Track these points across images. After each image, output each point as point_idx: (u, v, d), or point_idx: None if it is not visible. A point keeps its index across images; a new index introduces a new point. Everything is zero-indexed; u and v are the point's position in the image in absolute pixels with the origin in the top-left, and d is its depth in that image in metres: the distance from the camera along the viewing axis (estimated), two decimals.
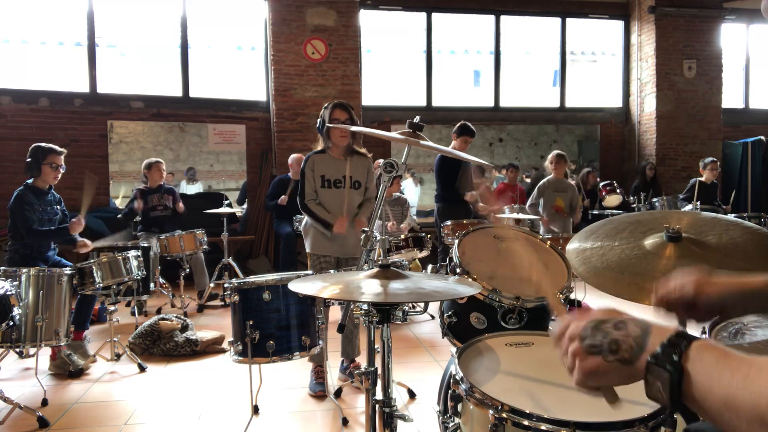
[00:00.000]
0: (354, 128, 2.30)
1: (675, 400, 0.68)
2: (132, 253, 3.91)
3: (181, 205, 5.89)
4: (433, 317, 5.14)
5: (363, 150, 3.48)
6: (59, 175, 4.00)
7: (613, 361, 0.74)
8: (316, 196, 3.39)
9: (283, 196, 6.26)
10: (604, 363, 0.75)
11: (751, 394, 0.61)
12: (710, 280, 1.07)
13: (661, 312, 1.11)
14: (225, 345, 4.24)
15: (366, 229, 1.76)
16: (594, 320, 0.79)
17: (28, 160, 3.91)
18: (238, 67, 9.28)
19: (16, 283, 3.13)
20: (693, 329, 1.65)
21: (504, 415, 1.24)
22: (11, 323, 2.80)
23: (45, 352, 3.85)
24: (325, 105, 3.38)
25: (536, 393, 1.35)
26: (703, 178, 7.06)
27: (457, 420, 1.45)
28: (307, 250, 3.48)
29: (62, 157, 3.99)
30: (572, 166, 8.46)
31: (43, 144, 3.98)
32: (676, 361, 0.68)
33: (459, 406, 1.44)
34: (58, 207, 4.09)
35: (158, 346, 4.14)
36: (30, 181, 3.94)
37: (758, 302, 1.07)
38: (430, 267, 5.65)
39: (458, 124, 5.67)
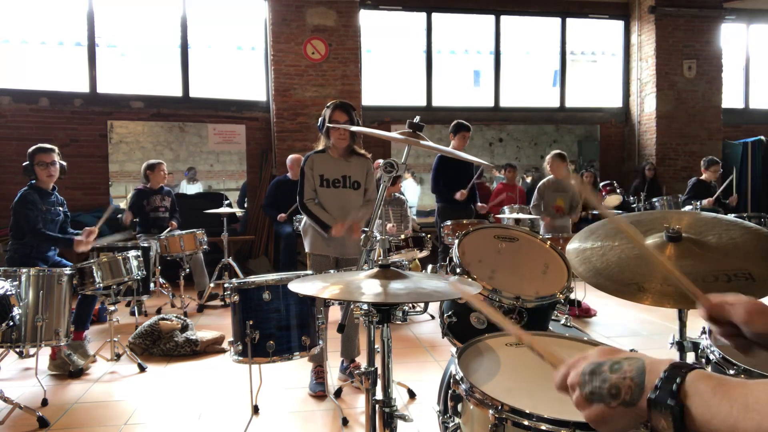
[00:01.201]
0: (354, 128, 2.30)
1: None
2: (132, 253, 3.91)
3: (174, 223, 5.84)
4: (433, 317, 5.14)
5: (363, 151, 3.48)
6: (53, 173, 3.91)
7: (617, 406, 0.73)
8: (316, 196, 3.39)
9: (282, 214, 6.26)
10: (608, 409, 0.74)
11: (752, 422, 0.61)
12: (766, 311, 0.99)
13: (707, 319, 1.04)
14: (225, 345, 4.24)
15: (366, 229, 1.76)
16: (590, 364, 0.78)
17: (24, 164, 3.91)
18: (238, 67, 9.28)
19: (16, 283, 3.13)
20: (694, 327, 1.65)
21: (504, 415, 1.24)
22: (11, 323, 2.79)
23: (45, 352, 3.85)
24: (327, 104, 3.38)
25: (536, 393, 1.35)
26: (703, 177, 7.06)
27: (457, 420, 1.45)
28: (307, 249, 3.48)
29: (52, 153, 3.90)
30: (572, 166, 8.46)
31: (35, 146, 3.95)
32: (674, 396, 0.68)
33: (459, 406, 1.43)
34: (61, 208, 4.08)
35: (158, 346, 4.14)
36: (33, 181, 3.93)
37: None
38: (430, 267, 5.65)
39: (452, 124, 5.72)
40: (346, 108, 3.32)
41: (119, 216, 5.89)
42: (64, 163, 4.04)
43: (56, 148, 3.99)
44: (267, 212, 6.71)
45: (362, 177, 3.42)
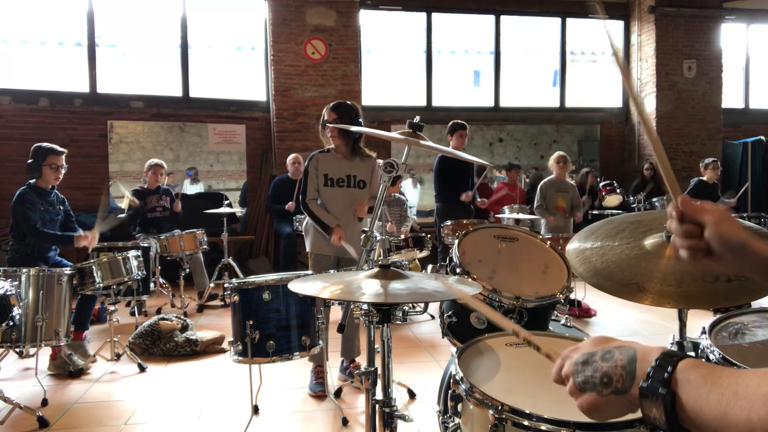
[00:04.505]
0: (353, 128, 2.30)
1: (672, 423, 0.68)
2: (132, 253, 3.91)
3: (178, 203, 5.85)
4: (433, 317, 5.14)
5: (368, 150, 3.49)
6: (60, 176, 3.96)
7: (609, 394, 0.74)
8: (318, 196, 3.40)
9: (290, 203, 6.24)
10: (600, 397, 0.75)
11: (742, 410, 0.61)
12: (735, 221, 0.93)
13: (671, 221, 0.98)
14: (225, 345, 4.24)
15: (366, 229, 1.76)
16: (583, 354, 0.79)
17: (29, 161, 3.90)
18: (238, 67, 9.27)
19: (16, 283, 3.14)
20: (694, 327, 1.65)
21: (504, 415, 1.24)
22: (11, 323, 2.79)
23: (45, 352, 3.85)
24: None
25: (536, 393, 1.35)
26: (704, 178, 7.05)
27: (457, 420, 1.45)
28: (308, 249, 3.49)
29: (63, 157, 3.95)
30: (572, 166, 8.45)
31: (44, 144, 3.95)
32: (666, 385, 0.68)
33: (459, 406, 1.44)
34: (61, 207, 4.08)
35: (158, 346, 4.14)
36: (32, 180, 3.93)
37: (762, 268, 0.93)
38: (430, 267, 5.64)
39: (449, 124, 5.74)
40: (335, 107, 3.37)
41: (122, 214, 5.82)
42: (67, 166, 4.06)
43: (66, 151, 4.01)
44: (271, 208, 6.71)
45: (367, 176, 3.44)
